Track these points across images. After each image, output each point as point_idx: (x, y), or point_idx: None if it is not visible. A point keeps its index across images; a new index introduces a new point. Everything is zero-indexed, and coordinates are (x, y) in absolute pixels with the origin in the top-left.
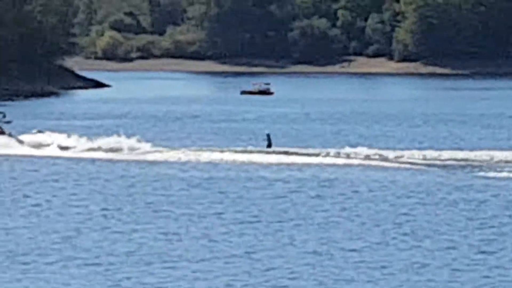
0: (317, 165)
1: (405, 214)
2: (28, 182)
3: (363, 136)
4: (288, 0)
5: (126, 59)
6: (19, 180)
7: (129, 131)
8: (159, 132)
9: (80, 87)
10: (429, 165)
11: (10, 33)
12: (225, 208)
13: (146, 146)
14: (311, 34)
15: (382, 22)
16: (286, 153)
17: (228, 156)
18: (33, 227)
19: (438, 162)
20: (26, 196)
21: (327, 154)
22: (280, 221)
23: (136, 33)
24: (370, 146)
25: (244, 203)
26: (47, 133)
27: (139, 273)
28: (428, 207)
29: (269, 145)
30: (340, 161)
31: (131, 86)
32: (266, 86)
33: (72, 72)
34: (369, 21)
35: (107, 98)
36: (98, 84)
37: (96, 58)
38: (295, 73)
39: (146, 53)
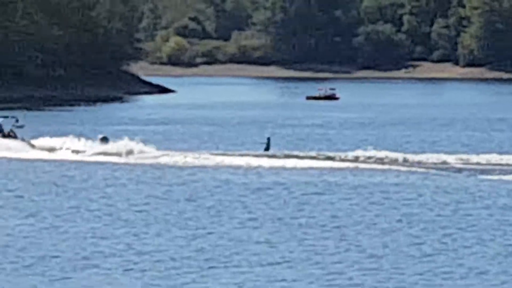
0: (378, 171)
1: (467, 219)
2: (91, 186)
3: (427, 141)
4: (354, 6)
5: (191, 64)
6: (81, 184)
7: (190, 136)
8: (222, 137)
9: (145, 93)
10: (494, 170)
11: (76, 38)
12: (287, 213)
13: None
14: (376, 40)
15: (447, 27)
16: (351, 158)
17: (291, 162)
18: (95, 232)
19: (503, 167)
20: (89, 200)
21: (393, 161)
22: (342, 226)
23: (201, 38)
24: (433, 151)
25: (306, 208)
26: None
27: (201, 278)
28: (491, 212)
29: (267, 149)
30: (404, 167)
31: (195, 92)
32: (332, 92)
33: (137, 78)
34: (434, 26)
35: (172, 104)
36: (163, 90)
37: (161, 63)
38: (360, 78)
39: (211, 59)
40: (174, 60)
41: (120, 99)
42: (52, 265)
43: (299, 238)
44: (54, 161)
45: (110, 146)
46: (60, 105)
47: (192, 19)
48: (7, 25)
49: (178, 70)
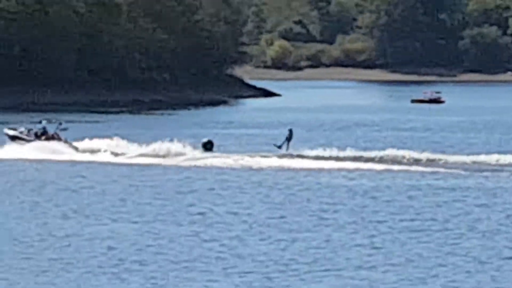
0: (482, 174)
1: None
2: (193, 190)
3: None
4: (459, 9)
5: (295, 67)
6: (184, 188)
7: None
8: (326, 141)
9: (250, 96)
10: None
11: (180, 42)
12: (389, 216)
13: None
14: (481, 42)
15: None
16: (454, 162)
17: (393, 165)
18: (197, 235)
19: None
20: (190, 204)
21: (496, 163)
22: (443, 230)
23: (306, 42)
24: None
25: (408, 211)
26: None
27: (301, 281)
28: None
29: (289, 139)
30: (506, 170)
31: (300, 95)
32: (437, 95)
33: (242, 81)
34: None
35: (276, 107)
36: (268, 93)
37: (266, 67)
38: (465, 81)
39: (315, 62)
40: (278, 64)
41: (224, 103)
42: (154, 268)
43: (401, 242)
44: (96, 163)
45: (150, 149)
46: (165, 108)
47: (297, 22)
48: (112, 29)
49: (282, 73)
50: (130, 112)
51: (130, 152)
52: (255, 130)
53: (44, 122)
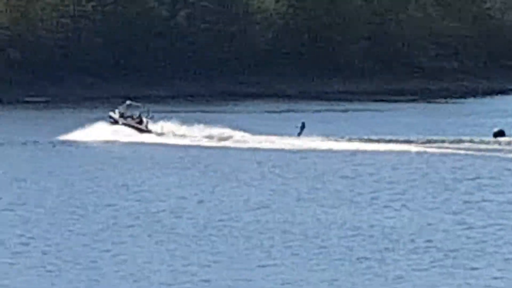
0: None
1: None
2: (474, 177)
3: None
4: None
5: None
6: (458, 175)
7: None
8: None
9: None
10: None
11: (469, 30)
12: None
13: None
14: None
15: None
16: None
17: None
18: (461, 224)
19: None
20: (466, 192)
21: None
22: None
23: None
24: None
25: None
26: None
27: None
28: None
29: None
30: None
31: None
32: None
33: None
34: None
35: None
36: None
37: None
38: None
39: None
40: None
41: None
42: (426, 257)
43: None
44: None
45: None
46: (453, 97)
47: None
48: (401, 17)
49: None
50: (417, 101)
51: (196, 134)
52: None
53: (128, 102)
